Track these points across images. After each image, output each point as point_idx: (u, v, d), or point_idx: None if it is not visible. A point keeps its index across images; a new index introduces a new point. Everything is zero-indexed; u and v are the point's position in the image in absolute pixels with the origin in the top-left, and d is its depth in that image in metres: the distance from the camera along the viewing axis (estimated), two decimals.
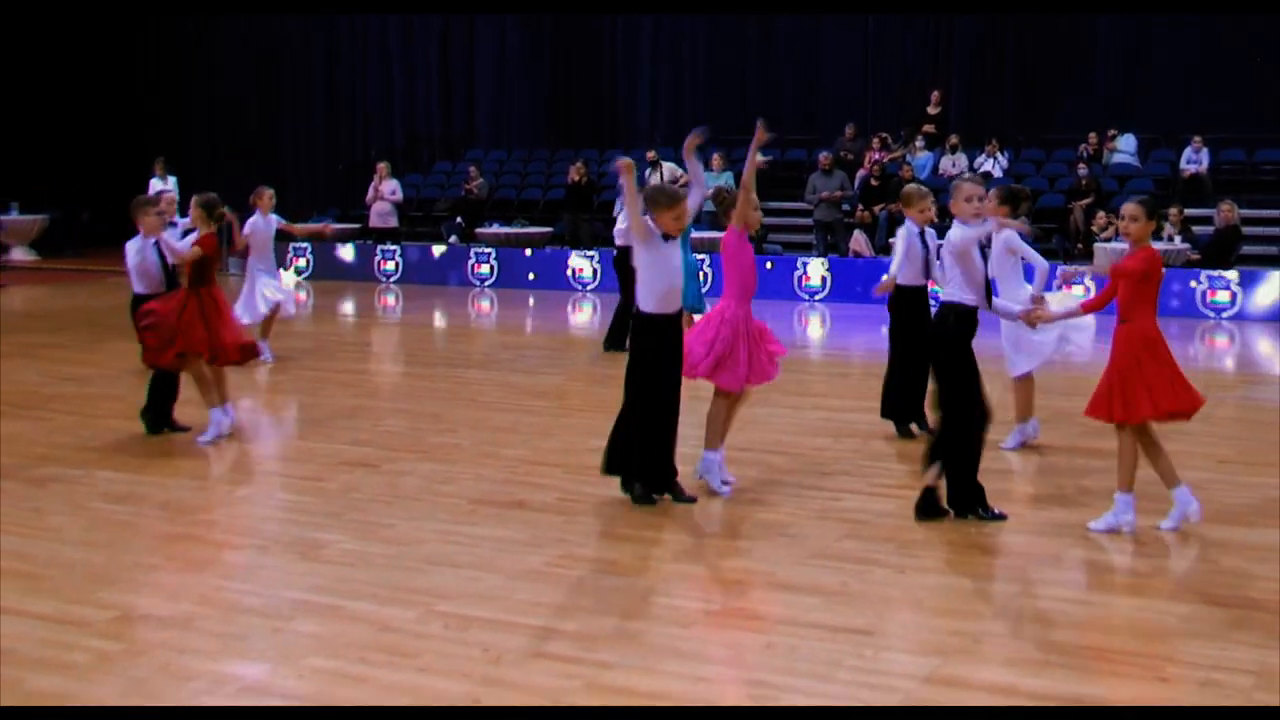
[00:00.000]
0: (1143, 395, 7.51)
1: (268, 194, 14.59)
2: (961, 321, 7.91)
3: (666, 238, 8.26)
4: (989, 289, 8.04)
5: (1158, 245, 20.40)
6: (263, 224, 14.37)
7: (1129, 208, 7.83)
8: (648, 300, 8.22)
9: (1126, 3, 24.77)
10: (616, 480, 8.40)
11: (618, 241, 15.75)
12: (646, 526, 7.93)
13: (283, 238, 15.90)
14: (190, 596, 6.75)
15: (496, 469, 9.52)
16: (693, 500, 8.38)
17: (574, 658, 5.82)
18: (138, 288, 10.72)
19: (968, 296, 7.92)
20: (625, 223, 15.53)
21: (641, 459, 8.27)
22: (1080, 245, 21.56)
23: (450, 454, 10.04)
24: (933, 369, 8.12)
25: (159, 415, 10.52)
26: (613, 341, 15.18)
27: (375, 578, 6.98)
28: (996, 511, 7.99)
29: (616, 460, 8.40)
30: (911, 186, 10.47)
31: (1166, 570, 7.21)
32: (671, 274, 8.23)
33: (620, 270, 15.58)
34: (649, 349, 8.22)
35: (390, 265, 25.21)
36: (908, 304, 10.21)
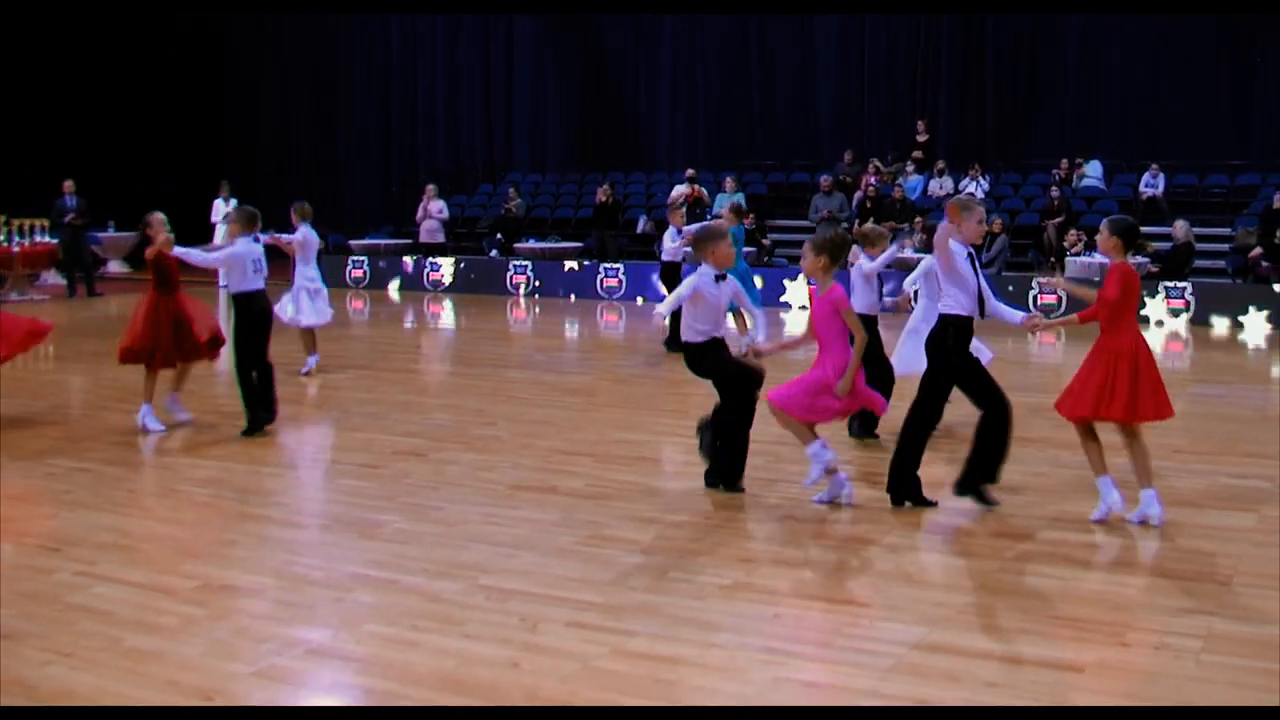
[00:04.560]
0: (1089, 397, 7.53)
1: (306, 209, 14.28)
2: (960, 333, 7.83)
3: (718, 278, 8.16)
4: (982, 299, 7.96)
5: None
6: (308, 232, 14.00)
7: (1106, 226, 7.77)
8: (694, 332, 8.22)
9: (1090, 24, 24.82)
10: (639, 468, 8.41)
11: (664, 257, 15.96)
12: (667, 510, 7.93)
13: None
14: (263, 569, 6.79)
15: (533, 458, 9.54)
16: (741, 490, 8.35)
17: (602, 626, 5.83)
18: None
19: (963, 309, 7.86)
20: (672, 241, 15.67)
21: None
22: (1053, 259, 21.53)
23: (491, 445, 10.06)
24: (927, 373, 8.00)
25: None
26: (674, 343, 15.16)
27: (425, 554, 7.01)
28: (990, 498, 7.95)
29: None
30: (872, 228, 10.39)
31: (1126, 548, 7.20)
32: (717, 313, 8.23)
33: (667, 281, 15.78)
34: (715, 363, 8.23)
35: (438, 276, 25.29)
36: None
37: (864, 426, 10.06)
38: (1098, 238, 7.89)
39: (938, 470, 8.37)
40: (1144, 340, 7.61)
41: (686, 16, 29.04)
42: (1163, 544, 7.23)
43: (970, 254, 7.92)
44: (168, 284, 10.67)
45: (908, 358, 10.17)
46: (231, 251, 10.51)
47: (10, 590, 6.40)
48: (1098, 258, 20.44)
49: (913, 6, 26.59)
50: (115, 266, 28.65)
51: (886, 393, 9.18)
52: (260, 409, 10.45)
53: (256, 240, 10.80)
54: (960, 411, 8.92)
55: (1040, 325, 8.07)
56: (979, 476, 7.85)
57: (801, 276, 21.22)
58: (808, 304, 8.16)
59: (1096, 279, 16.49)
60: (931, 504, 7.95)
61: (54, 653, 5.50)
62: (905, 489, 7.99)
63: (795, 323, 19.16)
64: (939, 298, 8.75)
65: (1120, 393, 7.44)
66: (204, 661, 5.40)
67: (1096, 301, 7.60)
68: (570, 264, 24.27)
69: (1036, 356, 16.24)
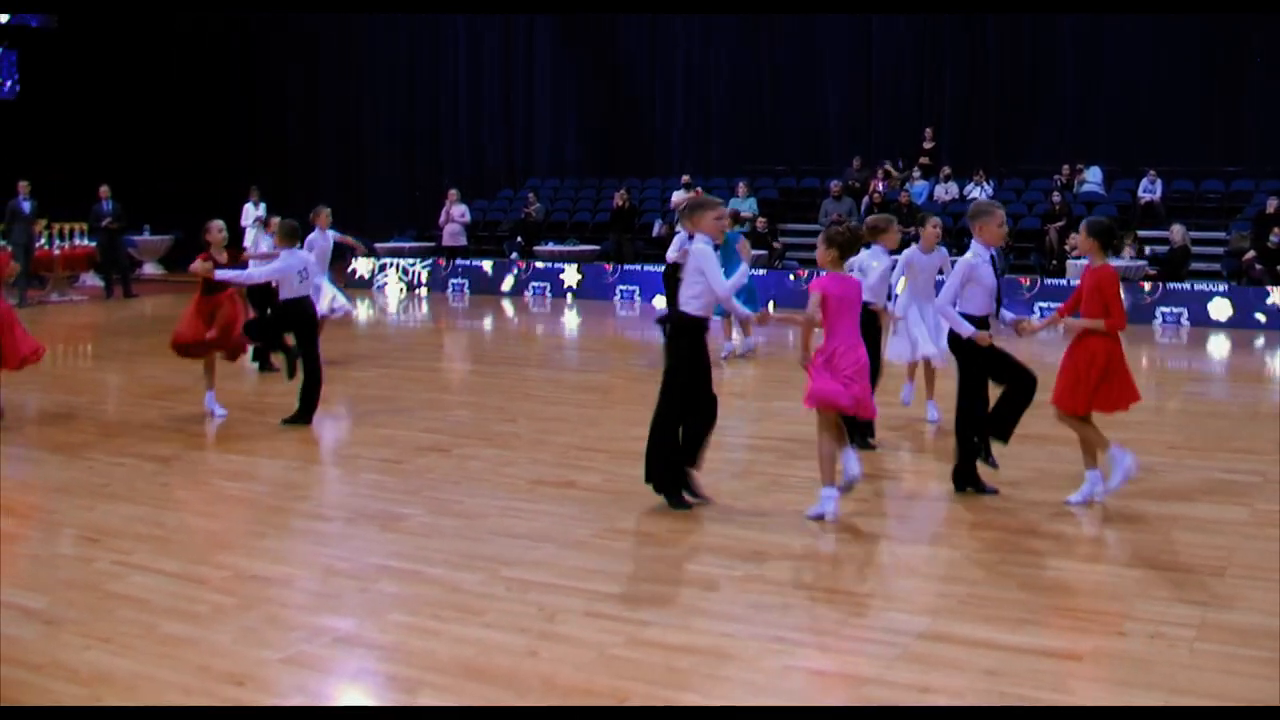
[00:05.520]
0: (1082, 392, 7.63)
1: (325, 212, 14.62)
2: (977, 327, 7.85)
3: (715, 247, 7.82)
4: (999, 299, 7.94)
5: (1117, 263, 20.41)
6: (321, 239, 14.41)
7: (1083, 229, 7.87)
8: (694, 304, 7.71)
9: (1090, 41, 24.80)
10: None
11: (669, 258, 15.59)
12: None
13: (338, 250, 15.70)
14: (291, 560, 6.82)
15: (550, 453, 9.56)
16: (708, 500, 7.90)
17: (617, 616, 5.85)
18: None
19: (977, 309, 7.85)
20: (679, 247, 15.46)
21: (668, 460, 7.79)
22: (1054, 262, 21.49)
23: (510, 441, 10.08)
24: (962, 370, 8.00)
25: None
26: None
27: (447, 546, 7.03)
28: (990, 488, 7.98)
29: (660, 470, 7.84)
30: (880, 216, 10.11)
31: (1123, 541, 7.20)
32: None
33: (668, 283, 15.41)
34: (687, 348, 7.74)
35: (459, 278, 25.32)
36: (868, 323, 9.38)
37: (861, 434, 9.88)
38: (1077, 239, 7.95)
39: (938, 466, 8.36)
40: None
41: (700, 27, 29.05)
42: (1158, 537, 7.23)
43: (992, 256, 7.94)
44: (213, 286, 10.97)
45: (899, 348, 10.40)
46: (276, 268, 10.73)
47: (52, 578, 6.46)
48: None
49: (918, 7, 26.55)
50: (150, 268, 28.73)
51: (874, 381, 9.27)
52: (306, 404, 10.71)
53: (301, 248, 11.01)
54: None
55: (1029, 329, 8.10)
56: (994, 430, 8.00)
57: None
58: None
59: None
60: (992, 491, 8.01)
61: (93, 638, 5.54)
62: (964, 478, 8.04)
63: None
64: (925, 289, 8.86)
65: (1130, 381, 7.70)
66: (235, 648, 5.44)
67: (1105, 327, 7.66)
68: (571, 277, 24.29)
69: (1036, 357, 16.21)
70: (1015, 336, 8.41)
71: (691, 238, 7.94)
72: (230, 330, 10.97)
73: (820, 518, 7.57)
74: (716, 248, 7.92)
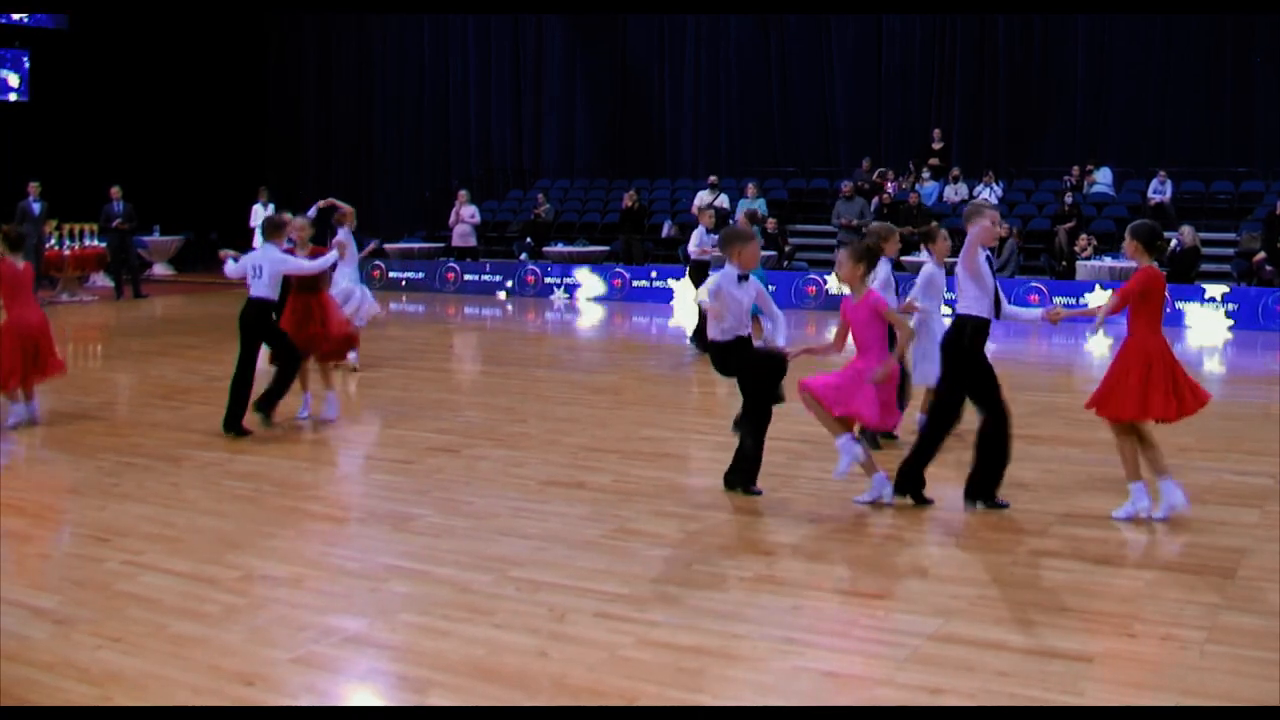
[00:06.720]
0: (1131, 399, 7.48)
1: (349, 212, 14.48)
2: (976, 332, 7.76)
3: (742, 278, 7.98)
4: (999, 301, 7.90)
5: (1130, 264, 20.36)
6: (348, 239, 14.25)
7: (1128, 232, 7.80)
8: (726, 335, 8.02)
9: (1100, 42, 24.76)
10: (663, 465, 8.37)
11: (693, 257, 15.71)
12: (691, 505, 7.93)
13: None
14: (302, 560, 6.82)
15: (561, 454, 9.55)
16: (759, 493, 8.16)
17: (626, 617, 5.83)
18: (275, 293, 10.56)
19: (980, 309, 7.82)
20: (698, 243, 15.52)
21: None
22: (1064, 263, 21.45)
23: (521, 441, 10.07)
24: (943, 374, 7.92)
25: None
26: (701, 341, 15.03)
27: (457, 546, 7.02)
28: (1001, 501, 7.90)
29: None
30: (880, 225, 9.99)
31: (1134, 542, 7.18)
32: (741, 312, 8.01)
33: (696, 281, 15.46)
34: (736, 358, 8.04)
35: (469, 277, 25.33)
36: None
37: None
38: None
39: (947, 472, 8.33)
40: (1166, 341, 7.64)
41: (710, 28, 29.07)
42: (1169, 538, 7.21)
43: (987, 256, 7.90)
44: (306, 284, 10.89)
45: (926, 371, 10.11)
46: (238, 261, 10.58)
47: (63, 578, 6.47)
48: (1108, 261, 20.38)
49: (928, 7, 26.53)
50: (161, 269, 28.79)
51: (903, 400, 9.12)
52: (236, 409, 10.30)
53: (282, 247, 10.70)
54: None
55: (1062, 314, 8.00)
56: (981, 489, 7.82)
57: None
58: (841, 312, 8.09)
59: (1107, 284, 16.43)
60: (928, 502, 7.89)
61: (104, 637, 5.55)
62: (908, 483, 7.93)
63: (809, 323, 19.13)
64: (937, 307, 8.76)
65: (1162, 392, 7.49)
66: (245, 648, 5.43)
67: (1116, 294, 7.62)
68: (559, 297, 24.20)
69: (1049, 356, 16.20)
70: (1051, 325, 8.33)
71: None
72: (329, 329, 10.91)
73: (879, 499, 7.88)
74: (742, 278, 8.03)
